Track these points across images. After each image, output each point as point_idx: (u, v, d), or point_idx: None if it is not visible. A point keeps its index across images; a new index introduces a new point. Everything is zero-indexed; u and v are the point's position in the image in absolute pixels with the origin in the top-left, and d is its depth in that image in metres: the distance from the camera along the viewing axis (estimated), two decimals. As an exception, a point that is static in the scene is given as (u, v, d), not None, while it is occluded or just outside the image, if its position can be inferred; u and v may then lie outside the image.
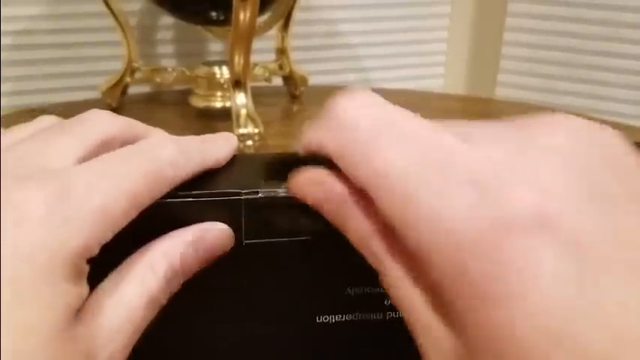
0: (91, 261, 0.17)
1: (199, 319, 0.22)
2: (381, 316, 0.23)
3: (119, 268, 0.19)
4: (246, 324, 0.22)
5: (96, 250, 0.17)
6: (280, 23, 0.63)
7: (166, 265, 0.19)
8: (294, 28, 0.64)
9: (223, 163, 0.22)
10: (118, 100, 0.60)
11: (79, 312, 0.17)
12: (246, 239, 0.21)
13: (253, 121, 0.51)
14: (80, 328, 0.17)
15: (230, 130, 0.51)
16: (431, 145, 0.16)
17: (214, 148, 0.22)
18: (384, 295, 0.23)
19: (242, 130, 0.50)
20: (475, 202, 0.14)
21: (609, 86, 0.75)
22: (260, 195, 0.21)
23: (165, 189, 0.19)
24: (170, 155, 0.19)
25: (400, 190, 0.15)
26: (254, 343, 0.23)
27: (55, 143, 0.19)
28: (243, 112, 0.51)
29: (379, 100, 0.18)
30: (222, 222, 0.21)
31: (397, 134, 0.16)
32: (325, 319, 0.23)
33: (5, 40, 0.64)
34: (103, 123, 0.20)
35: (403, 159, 0.16)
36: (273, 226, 0.21)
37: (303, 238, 0.21)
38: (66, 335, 0.16)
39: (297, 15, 0.63)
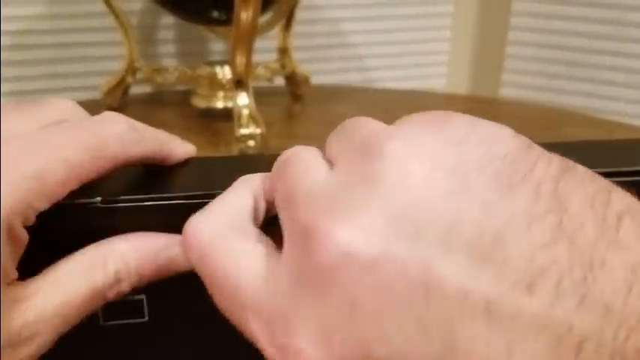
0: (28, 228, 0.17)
1: (193, 322, 0.22)
2: None
3: (75, 253, 0.19)
4: None
5: (30, 216, 0.17)
6: (282, 23, 0.63)
7: (120, 265, 0.19)
8: (296, 28, 0.64)
9: (178, 158, 0.22)
10: (119, 101, 0.59)
11: (12, 283, 0.17)
12: None
13: (255, 121, 0.50)
14: (6, 297, 0.17)
15: (232, 130, 0.51)
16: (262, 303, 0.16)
17: (171, 140, 0.22)
18: None
19: (244, 131, 0.50)
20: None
21: (614, 86, 0.75)
22: None
23: (110, 164, 0.19)
24: (117, 131, 0.19)
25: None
26: (250, 347, 0.23)
27: (5, 117, 0.19)
28: (245, 112, 0.51)
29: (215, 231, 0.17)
30: None
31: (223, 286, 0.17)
32: None
33: (5, 41, 0.64)
34: (61, 109, 0.20)
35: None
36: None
37: None
38: None
39: (299, 14, 0.63)
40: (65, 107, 0.21)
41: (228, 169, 0.23)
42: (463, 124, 0.15)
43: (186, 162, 0.22)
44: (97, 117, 0.20)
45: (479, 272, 0.13)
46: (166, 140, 0.22)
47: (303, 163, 0.17)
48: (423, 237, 0.13)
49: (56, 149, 0.18)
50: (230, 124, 0.51)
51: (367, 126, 0.17)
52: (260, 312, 0.15)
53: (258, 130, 0.50)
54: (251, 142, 0.50)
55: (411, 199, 0.14)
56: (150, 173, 0.21)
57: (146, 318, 0.22)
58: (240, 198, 0.18)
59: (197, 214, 0.18)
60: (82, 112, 0.21)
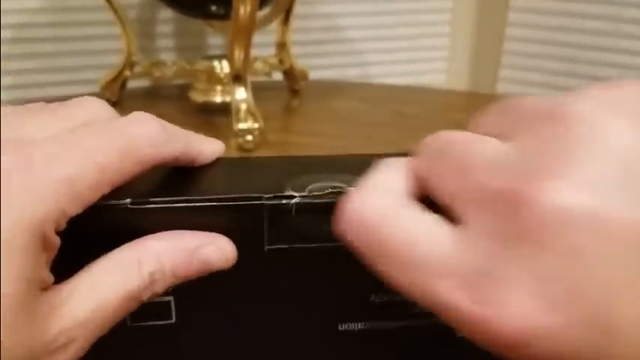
0: (60, 233, 0.17)
1: (221, 324, 0.22)
2: (405, 324, 0.23)
3: (108, 254, 0.19)
4: (268, 330, 0.22)
5: (62, 222, 0.17)
6: (281, 17, 0.63)
7: (155, 266, 0.19)
8: (294, 22, 0.64)
9: (207, 158, 0.22)
10: (117, 94, 0.60)
11: (48, 288, 0.17)
12: (268, 245, 0.21)
13: (253, 115, 0.50)
14: (41, 304, 0.16)
15: (230, 124, 0.51)
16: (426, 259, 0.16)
17: (200, 140, 0.22)
18: (408, 303, 0.22)
19: (242, 125, 0.50)
20: (466, 304, 0.15)
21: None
22: (283, 200, 0.20)
23: (141, 166, 0.19)
24: (148, 132, 0.19)
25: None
26: (276, 350, 0.23)
27: (35, 119, 0.19)
28: (243, 106, 0.51)
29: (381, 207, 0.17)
30: (245, 227, 0.20)
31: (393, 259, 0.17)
32: (348, 326, 0.22)
33: (5, 34, 0.64)
34: (90, 109, 0.20)
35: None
36: (296, 232, 0.21)
37: (327, 244, 0.21)
38: (21, 306, 0.16)
39: (297, 9, 0.63)
40: (94, 107, 0.20)
41: (255, 169, 0.23)
42: (633, 86, 0.16)
43: (215, 162, 0.22)
44: (127, 117, 0.19)
45: None
46: (195, 140, 0.21)
47: (469, 139, 0.17)
48: (633, 185, 0.14)
49: (87, 153, 0.17)
50: (228, 119, 0.51)
51: (533, 99, 0.17)
52: (455, 275, 0.15)
53: (256, 125, 0.50)
54: (249, 137, 0.50)
55: (613, 152, 0.14)
56: (178, 173, 0.21)
57: (174, 320, 0.22)
58: (391, 178, 0.18)
59: (352, 192, 0.18)
60: (111, 111, 0.21)
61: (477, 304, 0.15)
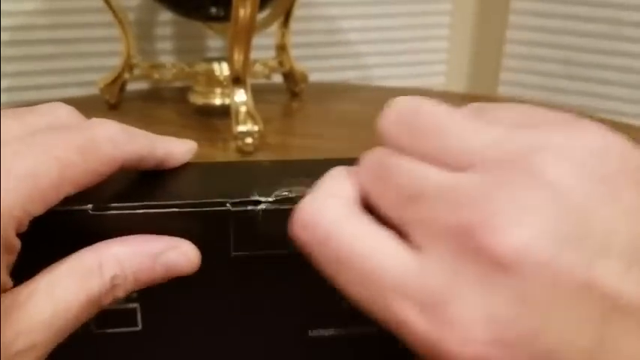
0: (20, 236, 0.17)
1: (187, 332, 0.22)
2: (375, 330, 0.23)
3: (68, 257, 0.18)
4: (236, 338, 0.22)
5: (24, 220, 0.17)
6: (280, 20, 0.63)
7: (116, 270, 0.18)
8: (294, 25, 0.64)
9: (178, 159, 0.22)
10: (116, 97, 0.59)
11: (6, 291, 0.17)
12: (234, 251, 0.20)
13: (253, 118, 0.50)
14: (1, 305, 0.16)
15: (229, 127, 0.51)
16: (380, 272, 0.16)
17: (168, 141, 0.22)
18: None
19: (241, 128, 0.50)
20: (423, 327, 0.15)
21: (611, 85, 0.75)
22: (248, 206, 0.20)
23: (104, 166, 0.19)
24: (107, 131, 0.19)
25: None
26: (245, 357, 0.22)
27: (3, 125, 0.19)
28: (243, 109, 0.51)
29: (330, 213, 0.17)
30: (210, 233, 0.20)
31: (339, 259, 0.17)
32: (318, 332, 0.22)
33: (4, 36, 0.64)
34: (58, 115, 0.20)
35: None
36: (263, 238, 0.20)
37: (295, 250, 0.21)
38: None
39: (297, 11, 0.63)
40: (61, 112, 0.20)
41: (223, 175, 0.22)
42: (597, 135, 0.16)
43: (184, 167, 0.22)
44: (88, 120, 0.20)
45: (629, 275, 0.14)
46: (162, 141, 0.21)
47: (408, 162, 0.17)
48: (586, 242, 0.14)
49: (47, 149, 0.17)
50: (228, 121, 0.51)
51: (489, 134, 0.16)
52: (413, 296, 0.15)
53: (255, 128, 0.50)
54: (248, 140, 0.50)
55: (573, 206, 0.15)
56: (145, 180, 0.21)
57: (139, 327, 0.21)
58: (341, 186, 0.18)
59: (308, 198, 0.18)
60: (78, 116, 0.21)
61: (431, 324, 0.15)
